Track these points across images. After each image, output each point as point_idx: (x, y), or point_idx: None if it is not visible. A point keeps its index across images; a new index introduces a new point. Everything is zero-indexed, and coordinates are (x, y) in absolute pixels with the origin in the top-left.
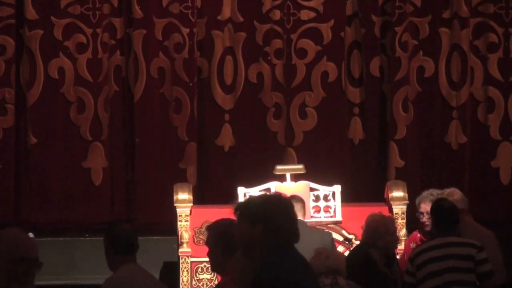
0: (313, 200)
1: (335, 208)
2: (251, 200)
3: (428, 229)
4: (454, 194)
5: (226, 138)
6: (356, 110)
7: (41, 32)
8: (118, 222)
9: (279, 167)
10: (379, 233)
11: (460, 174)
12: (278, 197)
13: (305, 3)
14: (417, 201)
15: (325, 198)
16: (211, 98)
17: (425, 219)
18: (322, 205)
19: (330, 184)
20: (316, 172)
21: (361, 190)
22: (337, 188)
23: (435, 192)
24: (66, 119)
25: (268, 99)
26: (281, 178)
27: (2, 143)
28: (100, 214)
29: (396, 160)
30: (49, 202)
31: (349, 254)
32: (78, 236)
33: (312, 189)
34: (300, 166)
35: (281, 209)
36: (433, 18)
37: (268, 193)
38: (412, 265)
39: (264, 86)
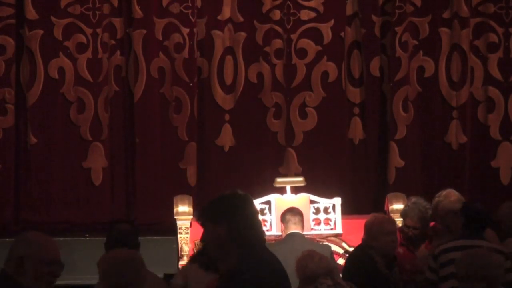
0: (313, 213)
1: (335, 221)
2: (209, 203)
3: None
4: (451, 195)
5: (226, 138)
6: (356, 110)
7: (41, 32)
8: (117, 223)
9: (279, 179)
10: (373, 233)
11: (460, 174)
12: (236, 193)
13: (305, 3)
14: (402, 213)
15: (325, 210)
16: (211, 98)
17: (412, 233)
18: (322, 218)
19: (330, 189)
20: (316, 174)
21: (361, 194)
22: (337, 201)
23: (420, 201)
24: (66, 119)
25: (268, 99)
26: (281, 191)
27: (2, 143)
28: (100, 214)
29: (396, 160)
30: (49, 202)
31: (349, 255)
32: (78, 236)
33: (312, 202)
34: (300, 179)
35: (240, 204)
36: (433, 18)
37: (226, 192)
38: (435, 262)
39: (264, 86)
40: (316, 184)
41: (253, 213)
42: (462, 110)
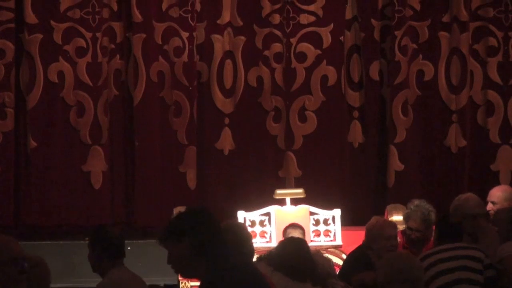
0: (313, 224)
1: (335, 232)
2: (168, 224)
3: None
4: (470, 199)
5: (226, 141)
6: (356, 113)
7: (41, 36)
8: (106, 226)
9: (279, 191)
10: (373, 236)
11: (459, 178)
12: (192, 209)
13: (305, 7)
14: (405, 216)
15: (325, 222)
16: (211, 102)
17: (414, 236)
18: (322, 229)
19: (329, 192)
20: (315, 177)
21: (361, 197)
22: (337, 212)
23: (423, 204)
24: (65, 123)
25: (268, 103)
26: (281, 202)
27: (2, 147)
28: (100, 217)
29: (396, 164)
30: (48, 205)
31: (348, 256)
32: (78, 239)
33: (312, 213)
34: (300, 191)
35: (198, 218)
36: (433, 22)
37: (183, 210)
38: None
39: (263, 90)
40: (316, 188)
41: (213, 225)
42: (461, 113)
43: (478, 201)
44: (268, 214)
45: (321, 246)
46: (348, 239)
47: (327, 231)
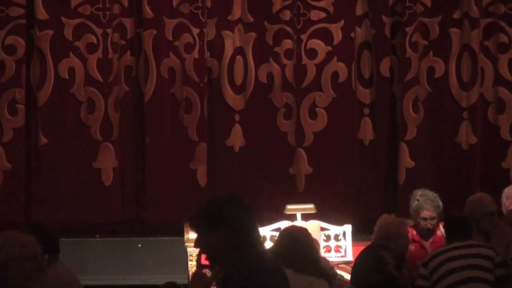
0: (324, 240)
1: (345, 248)
2: (204, 210)
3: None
4: (484, 198)
5: (236, 138)
6: (366, 110)
7: (52, 32)
8: (41, 222)
9: (289, 206)
10: (391, 235)
11: (470, 175)
12: (229, 197)
13: (315, 3)
14: (415, 208)
15: (336, 237)
16: (221, 99)
17: (430, 225)
18: (332, 245)
19: (339, 189)
20: (326, 174)
21: (371, 194)
22: (347, 228)
23: (427, 192)
24: (76, 119)
25: (278, 99)
26: (292, 218)
27: (13, 143)
28: (110, 214)
29: (407, 161)
30: (59, 202)
31: (359, 256)
32: (88, 236)
33: (322, 229)
34: (311, 206)
35: (235, 210)
36: (443, 19)
37: (218, 197)
38: (426, 268)
39: (274, 86)
40: (326, 186)
41: (247, 217)
42: (472, 110)
43: (491, 198)
44: (278, 229)
45: (332, 262)
46: None
47: (337, 246)
